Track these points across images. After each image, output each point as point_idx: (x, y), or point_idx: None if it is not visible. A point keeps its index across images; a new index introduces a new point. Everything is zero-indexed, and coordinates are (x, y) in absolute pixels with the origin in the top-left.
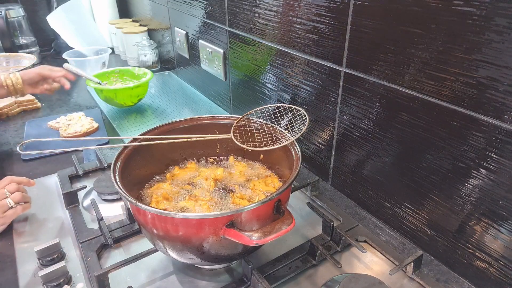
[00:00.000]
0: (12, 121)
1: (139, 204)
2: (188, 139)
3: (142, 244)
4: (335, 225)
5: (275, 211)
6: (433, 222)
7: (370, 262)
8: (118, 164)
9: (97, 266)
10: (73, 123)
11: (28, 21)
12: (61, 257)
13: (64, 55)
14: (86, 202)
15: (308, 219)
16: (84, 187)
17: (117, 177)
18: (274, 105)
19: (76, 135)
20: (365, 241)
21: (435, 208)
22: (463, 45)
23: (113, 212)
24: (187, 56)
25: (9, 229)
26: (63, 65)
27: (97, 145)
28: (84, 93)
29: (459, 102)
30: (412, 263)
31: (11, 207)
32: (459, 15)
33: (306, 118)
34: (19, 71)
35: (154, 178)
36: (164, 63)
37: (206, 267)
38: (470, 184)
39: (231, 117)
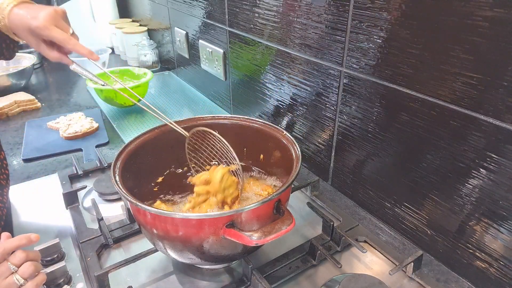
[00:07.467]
0: (12, 121)
1: (139, 204)
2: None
3: (142, 244)
4: (335, 225)
5: (275, 211)
6: (433, 222)
7: (370, 262)
8: (118, 164)
9: (97, 266)
10: (73, 123)
11: None
12: (61, 257)
13: None
14: (86, 202)
15: (308, 219)
16: (84, 187)
17: (117, 177)
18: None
19: (76, 135)
20: (365, 241)
21: (435, 208)
22: (463, 45)
23: (113, 212)
24: (187, 56)
25: (10, 229)
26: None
27: (97, 145)
28: (84, 93)
29: (459, 102)
30: (412, 263)
31: (21, 285)
32: (459, 15)
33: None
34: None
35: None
36: (164, 63)
37: (206, 267)
38: (470, 184)
39: (231, 117)
